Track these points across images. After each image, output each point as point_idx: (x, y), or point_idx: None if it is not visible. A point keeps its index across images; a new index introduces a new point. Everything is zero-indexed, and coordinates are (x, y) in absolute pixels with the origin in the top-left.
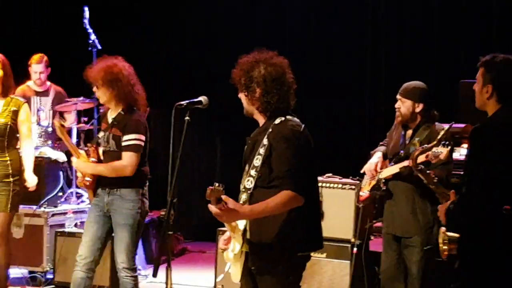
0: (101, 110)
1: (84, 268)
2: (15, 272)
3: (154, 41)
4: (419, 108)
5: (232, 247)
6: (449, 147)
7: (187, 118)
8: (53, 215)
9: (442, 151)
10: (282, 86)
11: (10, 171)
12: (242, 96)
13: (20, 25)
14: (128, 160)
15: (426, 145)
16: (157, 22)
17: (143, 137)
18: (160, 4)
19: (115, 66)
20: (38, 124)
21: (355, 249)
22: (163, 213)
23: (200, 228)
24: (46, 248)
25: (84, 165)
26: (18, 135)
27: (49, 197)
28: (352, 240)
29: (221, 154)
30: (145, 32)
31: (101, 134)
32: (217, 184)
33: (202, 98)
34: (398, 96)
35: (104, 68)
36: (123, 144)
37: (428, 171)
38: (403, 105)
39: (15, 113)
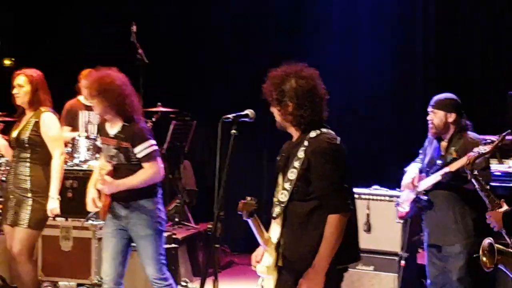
0: None
1: (111, 284)
2: (64, 284)
3: (199, 51)
4: (451, 118)
5: (265, 261)
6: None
7: (234, 131)
8: (101, 228)
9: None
10: (315, 99)
11: (29, 187)
12: (274, 110)
13: (70, 40)
14: (154, 167)
15: (483, 151)
16: (197, 33)
17: (154, 141)
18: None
19: (107, 77)
20: (87, 137)
21: (402, 262)
22: (210, 226)
23: (246, 241)
24: (94, 261)
25: (115, 185)
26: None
27: (97, 210)
28: (400, 252)
29: (268, 166)
30: (191, 42)
31: (104, 147)
32: (249, 198)
33: (249, 111)
34: (429, 109)
35: (96, 79)
36: (140, 155)
37: (480, 178)
38: (435, 117)
39: (36, 125)
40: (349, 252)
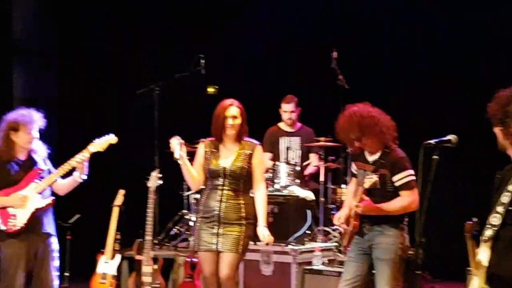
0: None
1: None
2: None
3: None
4: None
5: (474, 284)
6: None
7: (435, 157)
8: (301, 252)
9: None
10: None
11: (243, 214)
12: (497, 130)
13: (271, 69)
14: (411, 197)
15: None
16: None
17: (413, 171)
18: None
19: (364, 112)
20: (287, 163)
21: None
22: (411, 252)
23: (448, 267)
24: (294, 285)
25: (371, 207)
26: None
27: (297, 235)
28: None
29: (471, 191)
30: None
31: (360, 172)
32: (475, 219)
33: (452, 137)
34: None
35: (355, 121)
36: (399, 183)
37: None
38: None
39: (250, 156)
40: None
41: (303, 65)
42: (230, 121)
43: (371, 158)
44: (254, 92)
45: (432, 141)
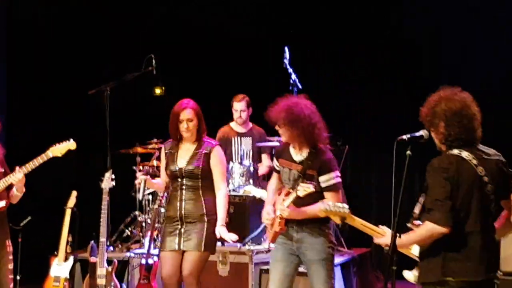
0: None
1: None
2: None
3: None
4: None
5: None
6: None
7: (408, 152)
8: (257, 252)
9: None
10: (462, 119)
11: (204, 211)
12: (433, 134)
13: (221, 67)
14: (336, 198)
15: None
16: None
17: (339, 173)
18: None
19: (296, 106)
20: (240, 163)
21: None
22: (387, 248)
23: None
24: (251, 286)
25: (296, 212)
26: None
27: (253, 235)
28: None
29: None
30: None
31: (285, 171)
32: None
33: (423, 132)
34: None
35: (285, 108)
36: (325, 184)
37: None
38: None
39: (207, 156)
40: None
41: (256, 63)
42: (184, 125)
43: (297, 157)
44: (203, 92)
45: (405, 137)
